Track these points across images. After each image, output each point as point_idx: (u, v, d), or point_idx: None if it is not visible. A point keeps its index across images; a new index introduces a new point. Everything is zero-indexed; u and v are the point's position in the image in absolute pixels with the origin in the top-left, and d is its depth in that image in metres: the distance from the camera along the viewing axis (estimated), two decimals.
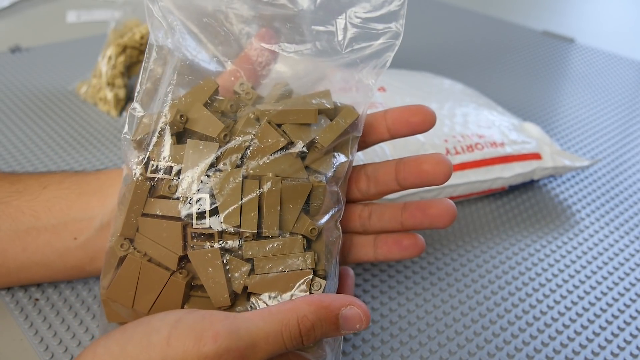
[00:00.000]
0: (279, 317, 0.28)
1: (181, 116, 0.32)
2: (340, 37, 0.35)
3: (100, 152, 0.56)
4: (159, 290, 0.31)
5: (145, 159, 0.32)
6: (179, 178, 0.31)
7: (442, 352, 0.38)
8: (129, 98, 0.64)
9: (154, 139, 0.32)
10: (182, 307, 0.31)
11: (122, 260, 0.31)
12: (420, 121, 0.35)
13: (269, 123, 0.32)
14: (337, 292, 0.35)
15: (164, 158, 0.31)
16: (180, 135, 0.32)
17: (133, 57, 0.64)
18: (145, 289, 0.31)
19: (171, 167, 0.31)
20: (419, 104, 0.35)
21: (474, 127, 0.52)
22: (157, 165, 0.31)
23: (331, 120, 0.33)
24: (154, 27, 0.34)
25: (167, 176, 0.31)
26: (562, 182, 0.56)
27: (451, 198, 0.50)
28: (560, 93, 0.73)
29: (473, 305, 0.41)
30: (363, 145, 0.37)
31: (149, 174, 0.31)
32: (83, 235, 0.36)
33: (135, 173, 0.31)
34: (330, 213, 0.33)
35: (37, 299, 0.40)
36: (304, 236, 0.31)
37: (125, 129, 0.33)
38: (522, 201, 0.53)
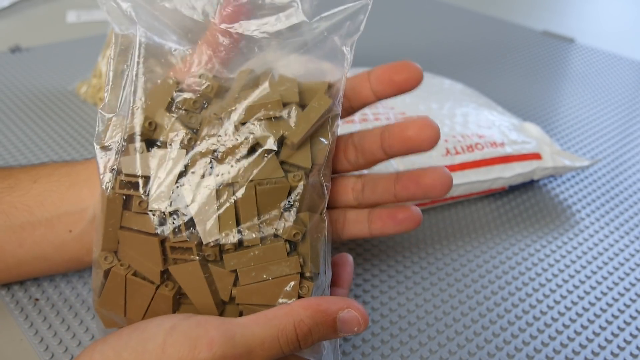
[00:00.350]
0: (275, 322, 0.28)
1: (150, 123, 0.31)
2: (305, 6, 0.32)
3: None
4: (147, 302, 0.30)
5: (116, 173, 0.30)
6: (148, 193, 0.30)
7: (442, 352, 0.38)
8: None
9: (121, 148, 0.30)
10: None
11: (107, 273, 0.31)
12: (405, 79, 0.33)
13: (235, 126, 0.30)
14: (335, 281, 0.35)
15: (132, 172, 0.30)
16: (150, 142, 0.31)
17: None
18: (134, 301, 0.30)
19: (138, 183, 0.30)
20: (404, 61, 0.33)
21: (474, 127, 0.52)
22: (125, 182, 0.30)
23: (302, 106, 0.31)
24: (113, 17, 0.32)
25: (135, 193, 0.30)
26: (562, 182, 0.56)
27: (451, 198, 0.50)
28: (560, 93, 0.73)
29: (473, 305, 0.41)
30: (350, 110, 0.35)
31: (118, 191, 0.30)
32: (77, 227, 0.36)
33: (107, 187, 0.30)
34: (314, 207, 0.31)
35: (37, 299, 0.40)
36: (286, 240, 0.30)
37: (96, 133, 0.31)
38: (522, 201, 0.53)
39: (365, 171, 0.38)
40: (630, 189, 0.55)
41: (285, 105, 0.31)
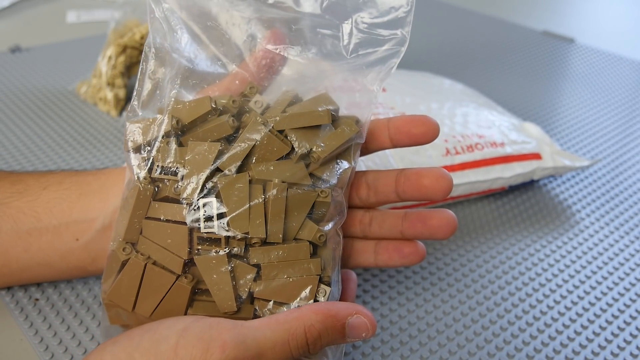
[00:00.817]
0: (285, 326, 0.28)
1: (177, 122, 0.32)
2: (345, 42, 0.34)
3: (100, 152, 0.56)
4: (162, 294, 0.30)
5: (149, 163, 0.31)
6: (183, 181, 0.31)
7: (442, 352, 0.38)
8: (129, 98, 0.64)
9: (157, 144, 0.31)
10: (186, 312, 0.31)
11: (124, 265, 0.31)
12: (422, 133, 0.34)
13: (270, 132, 0.31)
14: (340, 297, 0.35)
15: (168, 161, 0.31)
16: (183, 141, 0.32)
17: (133, 57, 0.64)
18: (148, 293, 0.31)
19: (176, 170, 0.31)
20: (423, 115, 0.35)
21: (474, 127, 0.52)
22: (161, 168, 0.31)
23: (335, 127, 0.33)
24: (155, 28, 0.34)
25: (172, 177, 0.31)
26: (562, 182, 0.56)
27: (451, 198, 0.50)
28: (560, 93, 0.73)
29: (473, 306, 0.41)
30: (365, 151, 0.37)
31: (153, 175, 0.31)
32: (85, 236, 0.36)
33: (139, 177, 0.31)
34: (334, 221, 0.33)
35: (37, 299, 0.40)
36: (310, 242, 0.31)
37: (127, 134, 0.33)
38: (522, 201, 0.53)
39: None
40: (630, 189, 0.55)
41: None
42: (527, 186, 0.54)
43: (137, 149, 0.32)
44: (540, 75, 0.77)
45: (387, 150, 0.48)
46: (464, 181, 0.49)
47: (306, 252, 0.31)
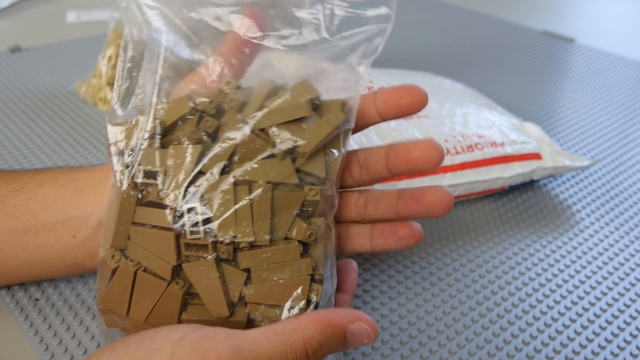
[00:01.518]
0: (283, 337, 0.27)
1: (160, 123, 0.31)
2: (327, 24, 0.33)
3: (101, 152, 0.56)
4: (154, 300, 0.30)
5: (132, 168, 0.31)
6: (165, 186, 0.30)
7: (442, 352, 0.38)
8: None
9: (139, 149, 0.31)
10: (180, 316, 0.30)
11: (114, 272, 0.30)
12: (410, 103, 0.34)
13: (253, 132, 0.31)
14: (340, 287, 0.35)
15: (150, 166, 0.30)
16: (167, 142, 0.31)
17: None
18: (141, 298, 0.30)
19: (155, 174, 0.30)
20: (410, 85, 0.34)
21: (474, 127, 0.52)
22: (144, 172, 0.30)
23: (320, 115, 0.32)
24: (130, 20, 0.32)
25: (154, 181, 0.30)
26: (562, 182, 0.56)
27: None
28: (560, 93, 0.73)
29: (473, 306, 0.41)
30: (354, 130, 0.35)
31: (136, 180, 0.30)
32: (81, 232, 0.36)
33: (122, 183, 0.31)
34: (325, 215, 0.32)
35: (37, 299, 0.40)
36: (300, 242, 0.31)
37: (109, 137, 0.32)
38: (522, 201, 0.53)
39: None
40: (630, 189, 0.55)
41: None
42: (527, 186, 0.54)
43: (120, 153, 0.31)
44: (540, 75, 0.77)
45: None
46: (464, 181, 0.49)
47: (295, 253, 0.30)
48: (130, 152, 0.31)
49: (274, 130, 0.31)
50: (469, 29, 0.92)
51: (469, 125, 0.52)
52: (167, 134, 0.31)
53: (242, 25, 0.33)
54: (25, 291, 0.40)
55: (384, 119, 0.35)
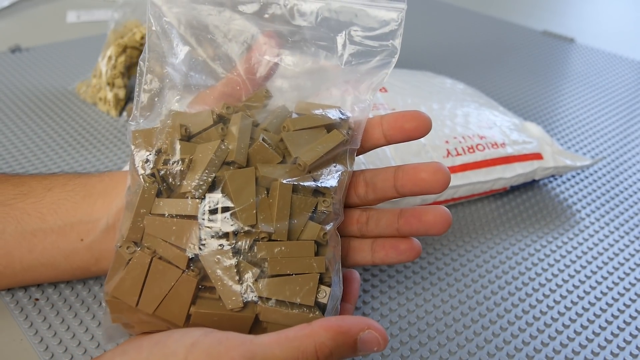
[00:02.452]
0: (295, 343, 0.27)
1: (186, 129, 0.33)
2: (339, 53, 0.36)
3: (100, 152, 0.56)
4: (167, 289, 0.30)
5: (153, 162, 0.32)
6: (188, 177, 0.31)
7: (442, 352, 0.38)
8: (129, 98, 0.64)
9: (161, 142, 0.32)
10: (189, 309, 0.30)
11: (129, 263, 0.31)
12: (414, 127, 0.35)
13: (264, 140, 0.33)
14: (342, 296, 0.35)
15: (173, 160, 0.32)
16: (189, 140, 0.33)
17: (133, 57, 0.64)
18: (153, 287, 0.31)
19: (180, 167, 0.31)
20: (415, 110, 0.35)
21: (475, 127, 0.52)
22: (165, 165, 0.32)
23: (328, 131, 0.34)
24: (152, 42, 0.35)
25: (177, 167, 0.31)
26: (563, 182, 0.56)
27: (453, 200, 0.50)
28: (560, 93, 0.73)
29: (473, 305, 0.41)
30: (361, 150, 0.37)
31: (159, 167, 0.32)
32: (89, 236, 0.36)
33: (143, 176, 0.32)
34: (333, 222, 0.33)
35: (37, 299, 0.40)
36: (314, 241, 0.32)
37: (131, 138, 0.33)
38: (523, 201, 0.53)
39: None
40: (630, 188, 0.55)
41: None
42: (527, 186, 0.54)
43: (142, 149, 0.33)
44: (541, 75, 0.77)
45: (388, 153, 0.48)
46: (465, 182, 0.49)
47: (311, 250, 0.31)
48: (153, 150, 0.32)
49: (286, 141, 0.33)
50: (469, 29, 0.92)
51: (470, 126, 0.52)
52: (190, 139, 0.33)
53: (258, 42, 0.36)
54: (25, 291, 0.40)
55: (389, 141, 0.36)
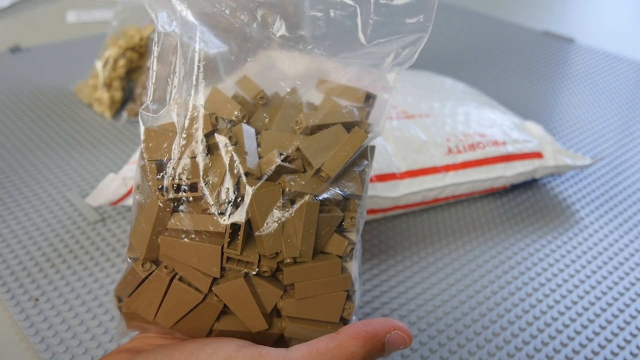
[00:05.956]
0: (327, 356, 0.27)
1: (216, 118, 0.30)
2: (363, 29, 0.31)
3: (100, 152, 0.56)
4: (188, 309, 0.29)
5: (169, 178, 0.29)
6: (208, 194, 0.28)
7: (442, 351, 0.38)
8: (125, 102, 0.64)
9: (178, 153, 0.29)
10: (213, 326, 0.30)
11: (144, 280, 0.30)
12: None
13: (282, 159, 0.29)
14: None
15: (193, 176, 0.29)
16: (210, 148, 0.30)
17: (133, 62, 0.64)
18: (172, 307, 0.30)
19: (196, 186, 0.29)
20: None
21: (475, 126, 0.52)
22: (183, 183, 0.29)
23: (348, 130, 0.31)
24: (160, 13, 0.31)
25: (195, 194, 0.29)
26: (563, 182, 0.56)
27: (453, 197, 0.50)
28: (560, 93, 0.73)
29: (473, 305, 0.41)
30: None
31: (175, 190, 0.29)
32: None
33: (158, 193, 0.29)
34: (357, 232, 0.31)
35: (37, 299, 0.40)
36: (339, 257, 0.30)
37: (143, 141, 0.30)
38: (523, 200, 0.53)
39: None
40: (630, 188, 0.55)
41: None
42: (528, 185, 0.54)
43: (155, 159, 0.30)
44: (541, 75, 0.77)
45: (389, 150, 0.48)
46: (466, 180, 0.49)
47: (338, 269, 0.30)
48: (168, 160, 0.29)
49: (307, 152, 0.30)
50: (469, 29, 0.92)
51: (470, 124, 0.52)
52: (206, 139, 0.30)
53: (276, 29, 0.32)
54: (25, 291, 0.40)
55: None
